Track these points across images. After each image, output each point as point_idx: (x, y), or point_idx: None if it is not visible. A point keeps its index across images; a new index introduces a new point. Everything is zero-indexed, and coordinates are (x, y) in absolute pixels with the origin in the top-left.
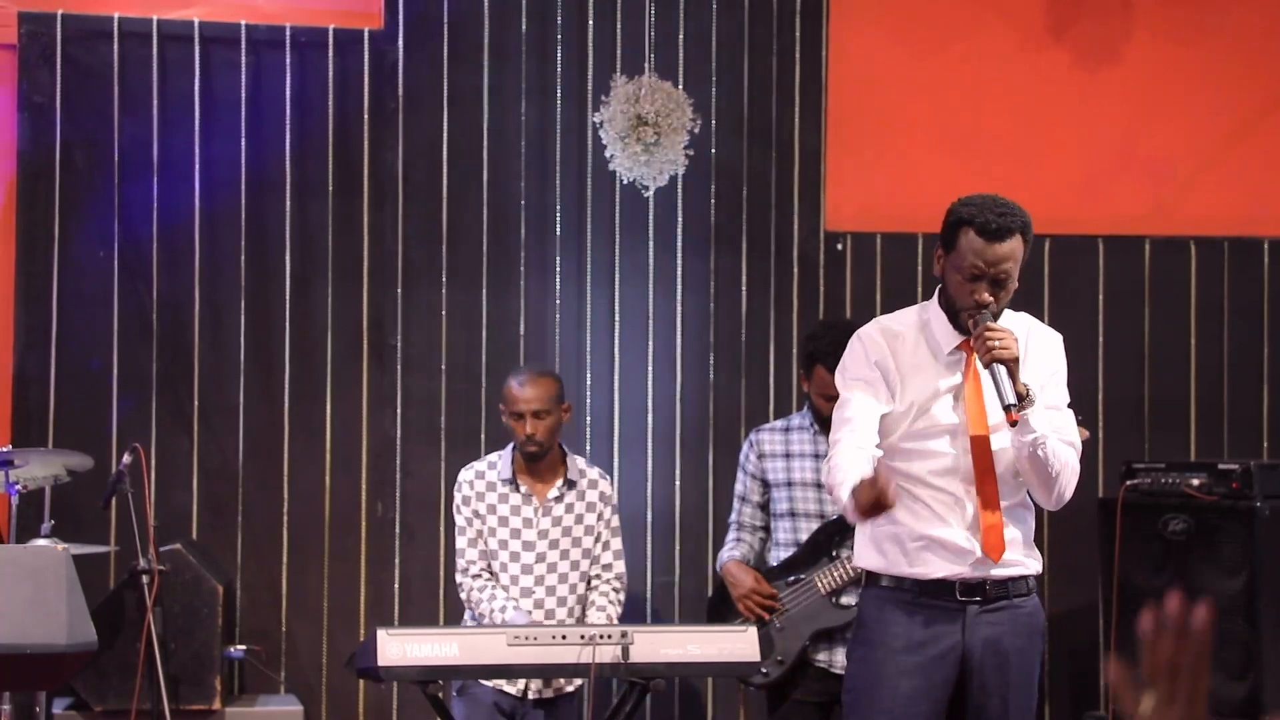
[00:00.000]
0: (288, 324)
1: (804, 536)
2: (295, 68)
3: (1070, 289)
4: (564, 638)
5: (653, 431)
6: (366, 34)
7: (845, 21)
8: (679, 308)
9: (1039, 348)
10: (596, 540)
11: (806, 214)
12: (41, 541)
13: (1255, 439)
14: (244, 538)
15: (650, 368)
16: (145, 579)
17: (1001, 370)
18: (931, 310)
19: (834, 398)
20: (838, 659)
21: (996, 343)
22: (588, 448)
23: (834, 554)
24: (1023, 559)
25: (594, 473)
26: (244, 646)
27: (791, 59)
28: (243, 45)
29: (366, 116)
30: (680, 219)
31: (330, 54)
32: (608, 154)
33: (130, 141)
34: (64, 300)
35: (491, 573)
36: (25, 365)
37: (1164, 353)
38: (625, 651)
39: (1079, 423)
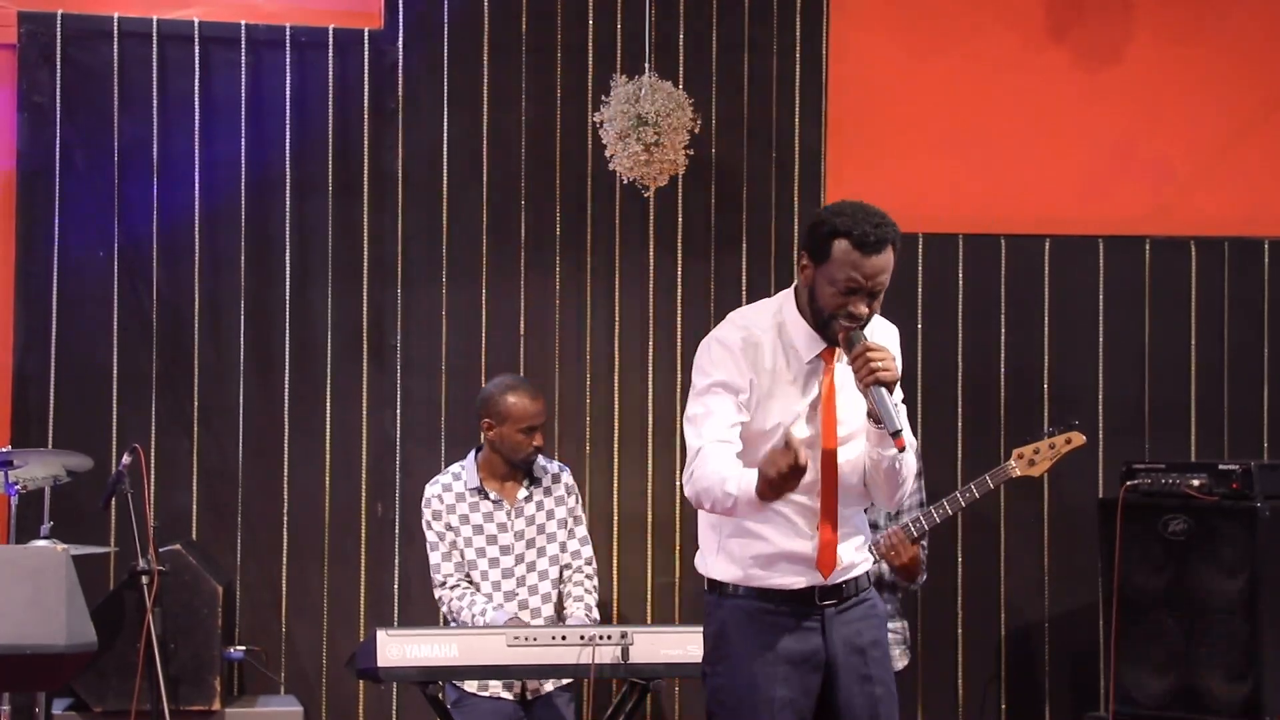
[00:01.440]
0: (288, 324)
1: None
2: (295, 68)
3: (1070, 289)
4: (564, 638)
5: (653, 431)
6: (366, 34)
7: (845, 22)
8: (679, 308)
9: (883, 342)
10: (566, 531)
11: (806, 214)
12: (41, 542)
13: (1255, 439)
14: (244, 538)
15: (650, 368)
16: (145, 579)
17: (884, 392)
18: (788, 314)
19: None
20: None
21: (879, 364)
22: (588, 448)
23: None
24: (865, 556)
25: (554, 466)
26: (244, 647)
27: (791, 59)
28: (243, 45)
29: (366, 116)
30: (680, 219)
31: (330, 54)
32: (608, 154)
33: (130, 141)
34: (64, 300)
35: (471, 581)
36: (25, 365)
37: (1164, 353)
38: (625, 652)
39: (1075, 427)
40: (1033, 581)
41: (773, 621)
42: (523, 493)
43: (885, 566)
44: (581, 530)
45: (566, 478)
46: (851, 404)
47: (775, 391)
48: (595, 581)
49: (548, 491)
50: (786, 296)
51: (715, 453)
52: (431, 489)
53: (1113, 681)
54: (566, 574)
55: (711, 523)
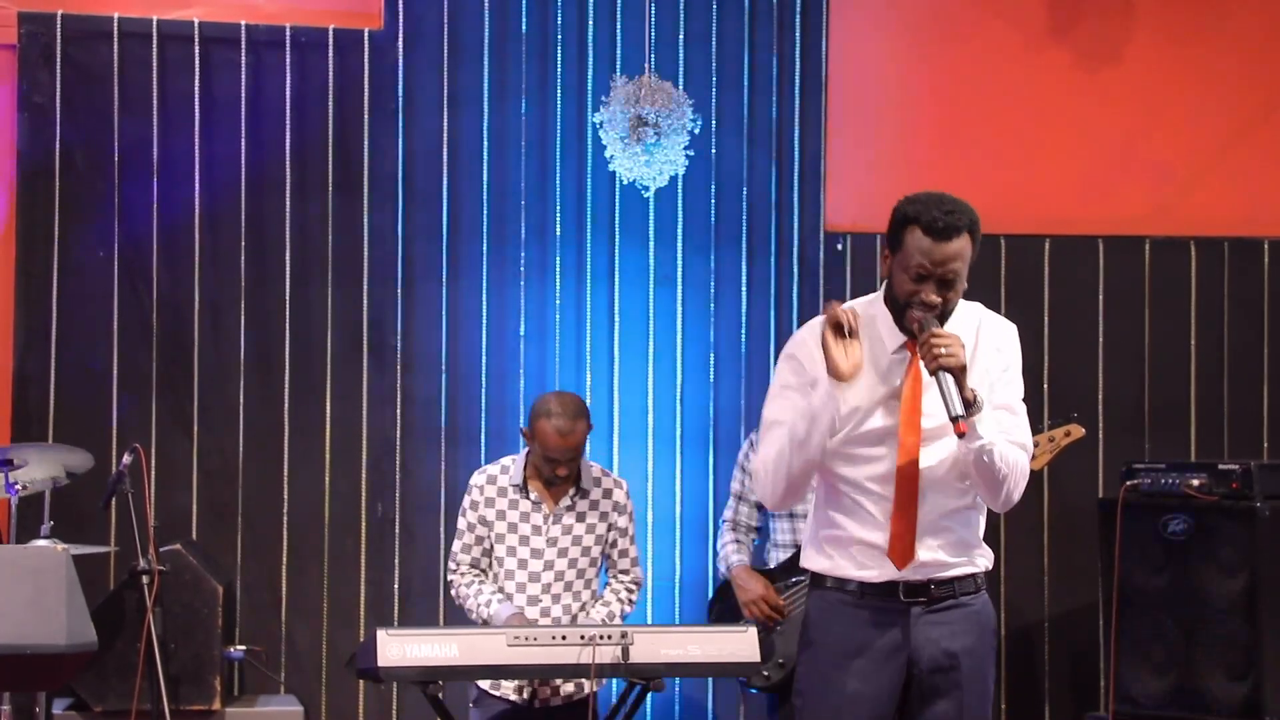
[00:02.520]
0: (288, 324)
1: (804, 537)
2: (295, 68)
3: (1070, 289)
4: (564, 638)
5: (653, 431)
6: (366, 34)
7: (845, 21)
8: (679, 308)
9: (990, 340)
10: (613, 548)
11: (806, 214)
12: (41, 542)
13: (1255, 439)
14: (244, 538)
15: (650, 368)
16: (145, 579)
17: (948, 378)
18: (877, 306)
19: None
20: None
21: (943, 350)
22: (587, 448)
23: None
24: (965, 557)
25: (609, 481)
26: (244, 647)
27: (791, 59)
28: (243, 45)
29: (366, 116)
30: (680, 219)
31: (330, 54)
32: (608, 154)
33: (130, 141)
34: (64, 300)
35: (488, 575)
36: (25, 365)
37: (1164, 353)
38: (625, 651)
39: (1074, 420)
40: (1033, 581)
41: (854, 614)
42: (565, 500)
43: None
44: (633, 551)
45: (619, 495)
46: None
47: (859, 380)
48: (634, 598)
49: (593, 505)
50: (876, 294)
51: (775, 437)
52: (477, 478)
53: (1113, 681)
54: (611, 584)
55: (813, 516)
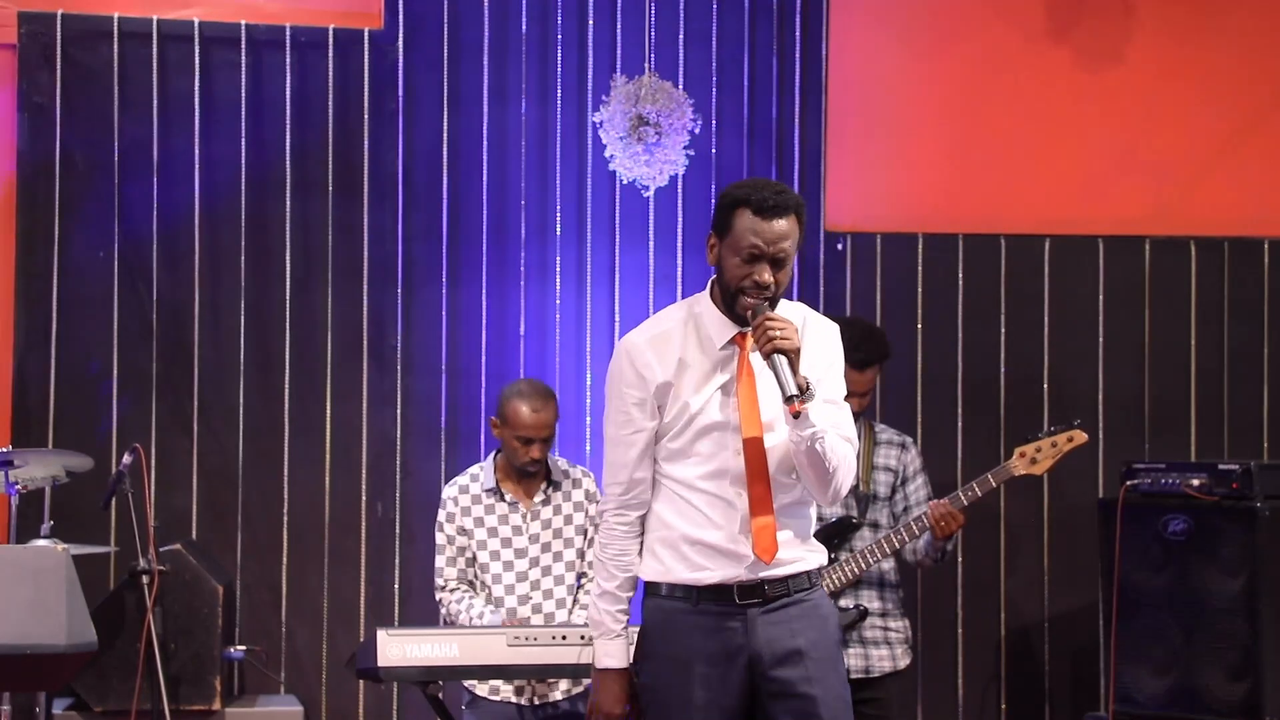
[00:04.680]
0: (288, 324)
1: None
2: (295, 68)
3: (1070, 289)
4: (564, 638)
5: None
6: (366, 34)
7: (845, 21)
8: None
9: (815, 339)
10: (585, 537)
11: (807, 214)
12: (41, 542)
13: (1255, 439)
14: (244, 538)
15: None
16: (145, 579)
17: (782, 361)
18: (703, 304)
19: (860, 394)
20: None
21: (778, 333)
22: (588, 447)
23: (832, 556)
24: (802, 554)
25: (577, 471)
26: (244, 647)
27: (791, 59)
28: (243, 45)
29: (366, 116)
30: (680, 219)
31: (330, 54)
32: (608, 154)
33: (130, 142)
34: (64, 301)
35: (477, 584)
36: (25, 366)
37: (1164, 353)
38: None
39: (1077, 426)
40: (1033, 581)
41: (693, 621)
42: (539, 496)
43: (888, 565)
44: None
45: (588, 484)
46: (777, 394)
47: (685, 378)
48: None
49: (566, 496)
50: (701, 293)
51: (614, 561)
52: (448, 490)
53: (1113, 681)
54: (583, 580)
55: (647, 519)
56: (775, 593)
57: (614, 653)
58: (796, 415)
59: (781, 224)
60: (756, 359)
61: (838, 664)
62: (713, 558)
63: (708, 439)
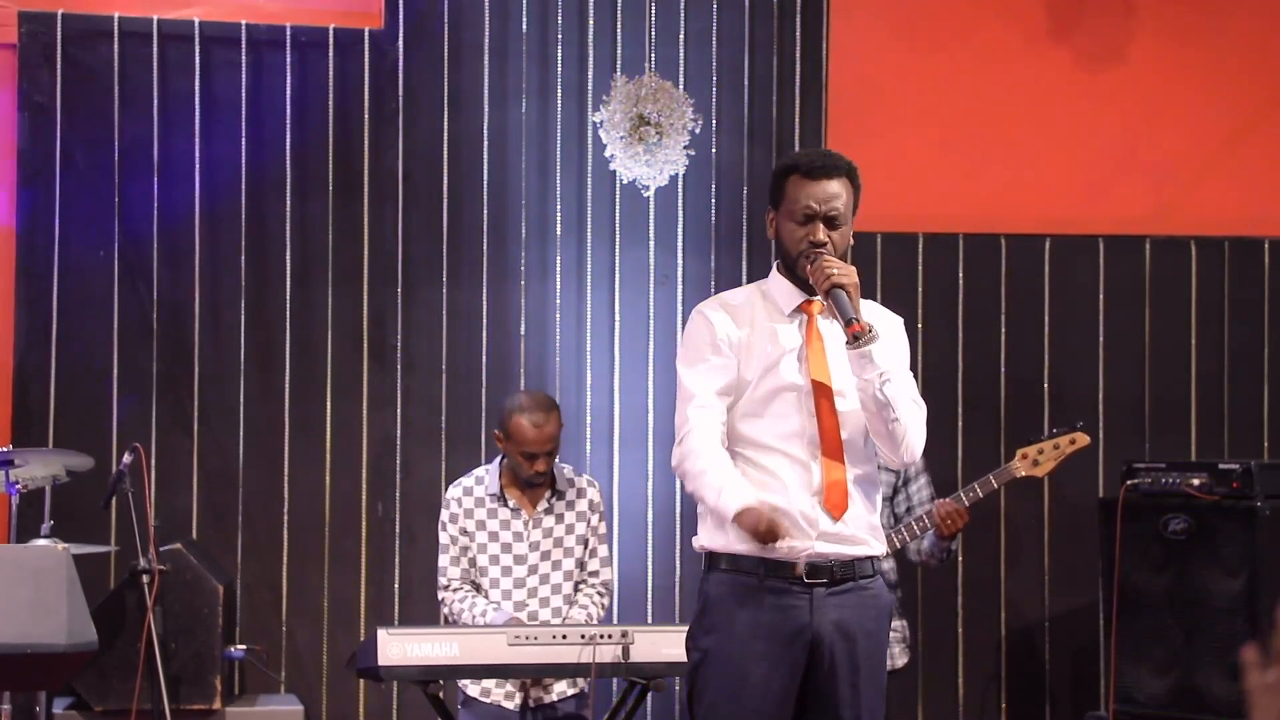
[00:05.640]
0: (288, 324)
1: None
2: (295, 68)
3: (1070, 289)
4: (564, 637)
5: (653, 431)
6: (366, 34)
7: (845, 21)
8: (679, 308)
9: (880, 326)
10: (585, 547)
11: None
12: (42, 541)
13: (1256, 439)
14: (244, 538)
15: (650, 368)
16: (145, 579)
17: (842, 295)
18: (771, 280)
19: None
20: None
21: (835, 270)
22: (588, 447)
23: None
24: (868, 537)
25: (582, 480)
26: (244, 646)
27: (791, 59)
28: (243, 45)
29: (366, 116)
30: (680, 219)
31: (330, 54)
32: (608, 154)
33: (130, 141)
34: (64, 300)
35: (479, 587)
36: (25, 365)
37: (1164, 353)
38: (625, 651)
39: (1079, 428)
40: (1033, 581)
41: (759, 596)
42: (543, 504)
43: (888, 565)
44: (603, 551)
45: (593, 494)
46: (847, 363)
47: (757, 341)
48: (606, 601)
49: (570, 505)
50: (767, 277)
51: (708, 445)
52: (453, 490)
53: (1113, 681)
54: (580, 587)
55: None
56: (841, 575)
57: (740, 494)
58: (857, 338)
59: (832, 184)
60: (825, 324)
61: (884, 658)
62: (784, 522)
63: (780, 399)
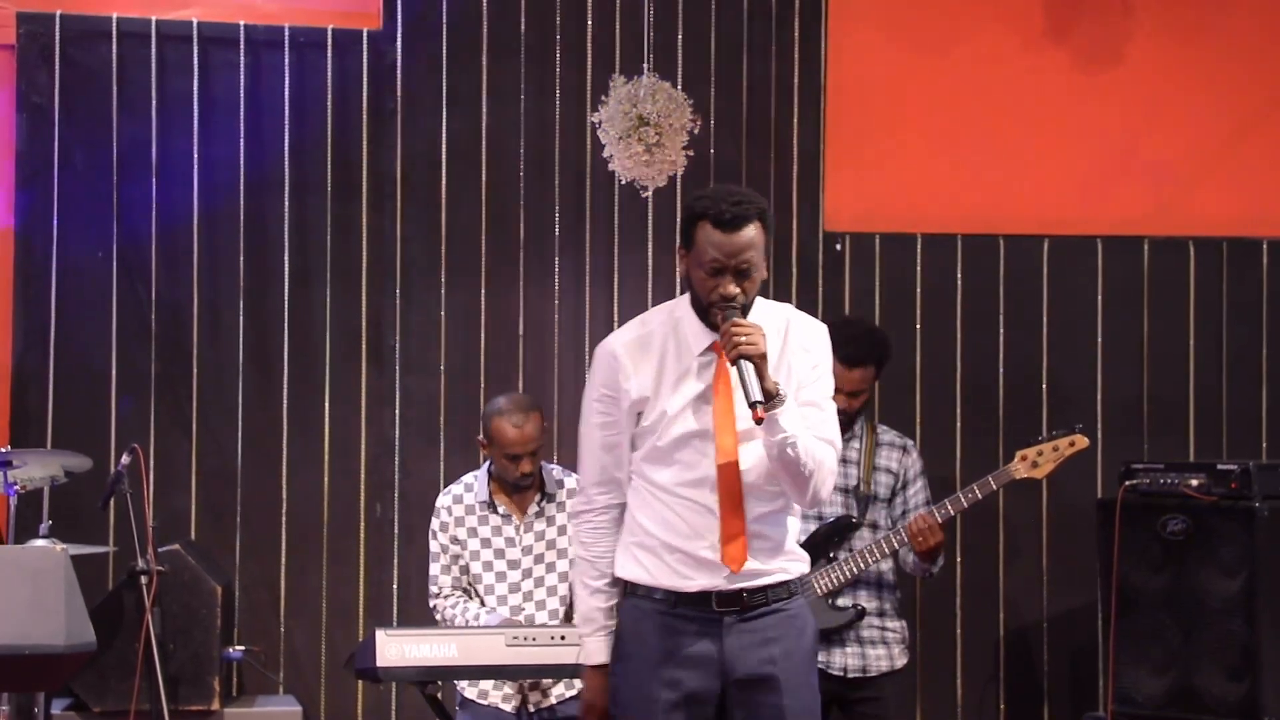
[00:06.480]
0: (287, 324)
1: (800, 538)
2: (294, 68)
3: (1070, 289)
4: (563, 638)
5: None
6: (365, 34)
7: (844, 22)
8: None
9: (799, 340)
10: None
11: (805, 214)
12: (40, 542)
13: (1254, 439)
14: (243, 538)
15: None
16: (144, 579)
17: (748, 367)
18: (682, 309)
19: (849, 393)
20: (835, 660)
21: (743, 339)
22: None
23: (831, 555)
24: (782, 565)
25: (570, 480)
26: (243, 647)
27: (790, 59)
28: (241, 46)
29: (365, 117)
30: (679, 219)
31: (329, 54)
32: (606, 154)
33: (129, 142)
34: (63, 301)
35: (473, 594)
36: (24, 365)
37: (1164, 353)
38: None
39: (1079, 430)
40: (1032, 581)
41: (668, 623)
42: (533, 508)
43: (886, 566)
44: None
45: None
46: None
47: (664, 385)
48: None
49: (560, 506)
50: (685, 296)
51: (594, 557)
52: (442, 499)
53: (1111, 681)
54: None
55: (625, 521)
56: (754, 601)
57: (605, 649)
58: (759, 421)
59: (743, 235)
60: (733, 368)
61: (809, 675)
62: (694, 567)
63: (687, 447)
